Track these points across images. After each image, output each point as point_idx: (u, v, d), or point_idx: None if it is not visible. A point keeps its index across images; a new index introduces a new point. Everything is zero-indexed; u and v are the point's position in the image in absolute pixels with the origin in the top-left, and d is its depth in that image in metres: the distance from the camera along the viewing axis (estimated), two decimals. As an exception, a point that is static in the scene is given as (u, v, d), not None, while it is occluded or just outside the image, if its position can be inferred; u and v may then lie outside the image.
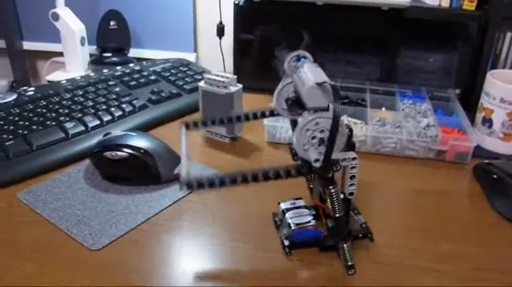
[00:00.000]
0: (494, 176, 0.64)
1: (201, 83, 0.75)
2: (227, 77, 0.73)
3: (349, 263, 0.50)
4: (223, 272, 0.50)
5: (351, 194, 0.50)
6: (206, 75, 0.74)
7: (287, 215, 0.54)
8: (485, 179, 0.66)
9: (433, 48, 0.95)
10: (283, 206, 0.56)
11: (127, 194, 0.62)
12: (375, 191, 0.65)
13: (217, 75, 0.74)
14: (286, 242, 0.53)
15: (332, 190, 0.47)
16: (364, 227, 0.56)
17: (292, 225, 0.53)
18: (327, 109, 0.46)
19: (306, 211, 0.55)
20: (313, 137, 0.46)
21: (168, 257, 0.52)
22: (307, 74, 0.47)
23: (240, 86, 0.74)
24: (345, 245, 0.50)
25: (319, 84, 0.45)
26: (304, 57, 0.53)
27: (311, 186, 0.59)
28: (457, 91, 0.91)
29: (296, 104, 0.53)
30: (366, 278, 0.49)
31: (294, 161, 0.58)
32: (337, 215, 0.48)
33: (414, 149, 0.73)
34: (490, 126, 0.76)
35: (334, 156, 0.45)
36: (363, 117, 0.81)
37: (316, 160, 0.45)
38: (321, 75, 0.47)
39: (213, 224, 0.57)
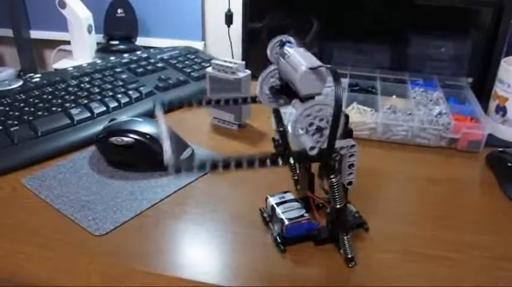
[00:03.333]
0: (509, 164, 0.62)
1: (209, 69, 0.74)
2: (235, 63, 0.72)
3: (350, 256, 0.48)
4: (226, 260, 0.49)
5: (350, 183, 0.47)
6: (214, 61, 0.73)
7: (278, 210, 0.51)
8: (499, 167, 0.64)
9: (444, 36, 0.93)
10: (272, 201, 0.53)
11: (132, 180, 0.61)
12: (386, 179, 0.64)
13: (225, 61, 0.73)
14: (280, 239, 0.50)
15: (333, 179, 0.45)
16: (358, 217, 0.54)
17: (285, 220, 0.49)
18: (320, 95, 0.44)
19: (296, 204, 0.52)
20: (311, 124, 0.43)
21: (172, 243, 0.51)
22: (298, 59, 0.44)
23: (248, 72, 0.73)
24: (345, 237, 0.48)
25: (313, 69, 0.43)
26: (289, 42, 0.49)
27: (295, 177, 0.57)
28: (470, 79, 0.89)
29: (280, 93, 0.51)
30: (376, 267, 0.48)
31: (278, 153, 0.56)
32: (338, 205, 0.46)
33: (426, 137, 0.72)
34: (504, 114, 0.74)
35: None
36: (373, 104, 0.80)
37: (312, 148, 0.42)
38: (313, 60, 0.44)
39: (219, 210, 0.56)
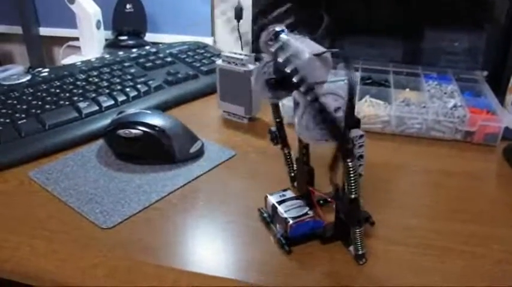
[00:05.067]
0: (527, 157, 0.61)
1: (219, 61, 0.72)
2: (245, 55, 0.71)
3: (360, 252, 0.45)
4: (236, 254, 0.48)
5: (359, 175, 0.44)
6: (224, 53, 0.72)
7: (280, 209, 0.48)
8: (517, 160, 0.63)
9: (459, 29, 0.91)
10: (272, 199, 0.50)
11: (140, 173, 0.60)
12: (400, 172, 0.62)
13: (235, 53, 0.71)
14: (284, 240, 0.48)
15: (350, 164, 0.42)
16: (364, 211, 0.50)
17: (289, 219, 0.47)
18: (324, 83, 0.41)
19: (298, 201, 0.49)
20: (321, 112, 0.40)
21: (181, 236, 0.49)
22: (299, 46, 0.42)
23: (258, 64, 0.71)
24: (357, 230, 0.45)
25: (318, 55, 0.40)
26: (283, 31, 0.46)
27: (292, 174, 0.56)
28: (485, 73, 0.87)
29: (277, 86, 0.48)
30: (389, 263, 0.46)
31: (274, 145, 0.55)
32: (353, 195, 0.43)
33: (441, 130, 0.70)
34: (521, 107, 0.73)
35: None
36: (386, 98, 0.78)
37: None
38: (315, 46, 0.42)
39: (229, 203, 0.55)
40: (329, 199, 0.52)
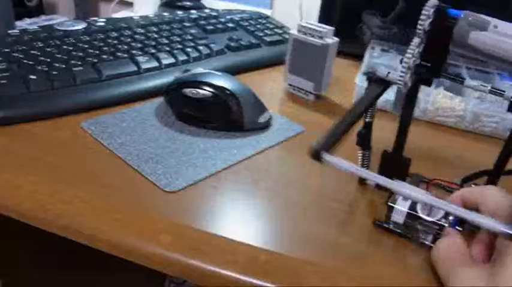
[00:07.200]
0: None
1: (293, 31, 0.66)
2: (324, 27, 0.65)
3: None
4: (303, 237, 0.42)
5: None
6: (300, 23, 0.66)
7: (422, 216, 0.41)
8: None
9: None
10: (402, 206, 0.42)
11: (204, 137, 0.54)
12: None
13: (312, 24, 0.65)
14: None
15: None
16: None
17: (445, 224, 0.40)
18: None
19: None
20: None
21: (254, 211, 0.44)
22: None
23: (337, 39, 0.65)
24: None
25: None
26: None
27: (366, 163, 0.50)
28: None
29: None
30: None
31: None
32: None
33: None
34: None
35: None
36: (459, 92, 0.72)
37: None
38: None
39: (299, 186, 0.49)
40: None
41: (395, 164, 0.47)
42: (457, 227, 0.40)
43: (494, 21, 0.38)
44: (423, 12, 0.39)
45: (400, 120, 0.45)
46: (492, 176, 0.46)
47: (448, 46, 0.40)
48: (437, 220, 0.40)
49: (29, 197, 0.43)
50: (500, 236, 0.35)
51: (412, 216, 0.41)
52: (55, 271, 0.81)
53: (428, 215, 0.40)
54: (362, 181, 0.50)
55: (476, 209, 0.39)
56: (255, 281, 0.37)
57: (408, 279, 0.39)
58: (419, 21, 0.39)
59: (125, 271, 0.80)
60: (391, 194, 0.43)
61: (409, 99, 0.43)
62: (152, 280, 1.12)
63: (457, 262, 0.36)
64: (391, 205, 0.41)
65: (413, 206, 0.41)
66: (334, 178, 0.49)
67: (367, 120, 0.46)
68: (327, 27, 0.65)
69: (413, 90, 0.43)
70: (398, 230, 0.42)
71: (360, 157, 0.49)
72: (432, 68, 0.41)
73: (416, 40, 0.40)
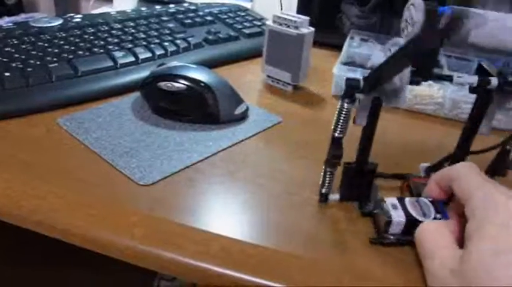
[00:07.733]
0: None
1: (269, 22, 0.66)
2: (299, 17, 0.65)
3: None
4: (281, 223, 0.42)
5: None
6: (276, 14, 0.66)
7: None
8: None
9: None
10: (401, 218, 0.41)
11: (179, 131, 0.54)
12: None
13: (288, 14, 0.65)
14: None
15: None
16: None
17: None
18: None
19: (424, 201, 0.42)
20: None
21: (229, 202, 0.44)
22: None
23: (312, 29, 0.65)
24: None
25: None
26: None
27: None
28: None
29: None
30: None
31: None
32: None
33: (497, 119, 0.64)
34: None
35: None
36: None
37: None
38: None
39: (276, 176, 0.49)
40: None
41: (358, 176, 0.44)
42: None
43: (490, 14, 0.36)
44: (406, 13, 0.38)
45: (363, 131, 0.42)
46: (455, 160, 0.46)
47: (437, 49, 0.38)
48: (434, 218, 0.40)
49: (2, 194, 0.42)
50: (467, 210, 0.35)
51: (411, 222, 0.40)
52: (35, 269, 0.80)
53: (424, 215, 0.41)
54: (323, 198, 0.46)
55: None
56: (229, 272, 0.37)
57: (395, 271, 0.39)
58: (403, 23, 0.38)
59: (112, 268, 0.80)
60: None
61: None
62: (142, 276, 1.12)
63: (436, 243, 0.36)
64: (390, 219, 0.40)
65: (407, 213, 0.41)
66: (312, 169, 0.49)
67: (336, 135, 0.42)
68: (302, 17, 0.65)
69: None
70: (399, 240, 0.41)
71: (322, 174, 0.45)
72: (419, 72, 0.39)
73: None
